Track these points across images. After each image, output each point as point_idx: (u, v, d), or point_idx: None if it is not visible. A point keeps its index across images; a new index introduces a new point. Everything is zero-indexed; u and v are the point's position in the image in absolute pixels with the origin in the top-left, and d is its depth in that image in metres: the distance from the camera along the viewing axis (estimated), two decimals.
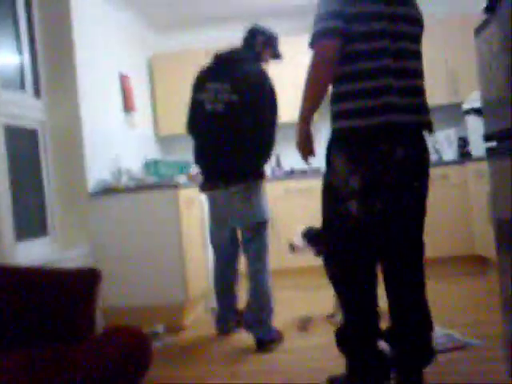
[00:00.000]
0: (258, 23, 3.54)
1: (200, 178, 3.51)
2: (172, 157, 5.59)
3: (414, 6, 2.25)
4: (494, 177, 2.22)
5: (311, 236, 3.35)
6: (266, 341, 3.18)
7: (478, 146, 4.53)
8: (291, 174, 5.33)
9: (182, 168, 4.60)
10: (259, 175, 3.30)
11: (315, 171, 4.85)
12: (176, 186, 3.78)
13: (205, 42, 5.55)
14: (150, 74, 5.51)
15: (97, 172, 3.99)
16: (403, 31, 2.16)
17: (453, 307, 3.60)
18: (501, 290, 2.23)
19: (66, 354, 1.61)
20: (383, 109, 2.10)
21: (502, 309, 2.23)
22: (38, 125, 3.74)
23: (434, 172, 4.62)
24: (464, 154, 5.02)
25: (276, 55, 3.51)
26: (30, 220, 3.64)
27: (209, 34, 5.68)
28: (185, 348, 3.34)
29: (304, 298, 4.32)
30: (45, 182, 3.76)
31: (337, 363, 2.51)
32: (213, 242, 3.57)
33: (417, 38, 2.24)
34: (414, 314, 2.27)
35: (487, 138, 2.23)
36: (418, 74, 2.22)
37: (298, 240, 3.38)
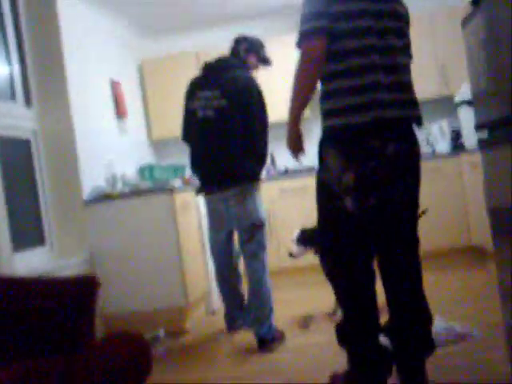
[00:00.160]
0: (246, 32, 3.61)
1: (195, 181, 3.54)
2: (166, 161, 5.59)
3: (399, 2, 2.26)
4: (486, 166, 2.23)
5: (305, 238, 3.40)
6: (267, 339, 3.19)
7: (471, 138, 4.54)
8: (286, 173, 5.34)
9: (177, 171, 4.60)
10: (253, 178, 3.35)
11: (309, 169, 4.86)
12: (171, 190, 3.78)
13: (194, 46, 5.56)
14: (141, 79, 5.51)
15: (91, 179, 3.99)
16: (389, 27, 2.17)
17: (452, 299, 3.61)
18: (498, 280, 2.24)
19: (65, 364, 1.61)
20: (372, 105, 2.11)
21: (500, 299, 2.24)
22: (31, 134, 3.73)
23: (428, 165, 4.67)
24: (457, 146, 5.03)
25: (263, 60, 3.58)
26: (27, 230, 3.64)
27: (198, 37, 5.68)
28: (186, 351, 3.34)
29: (304, 297, 4.32)
30: (40, 192, 3.76)
31: (338, 360, 2.51)
32: (211, 245, 3.62)
33: (403, 34, 2.25)
34: (411, 308, 2.28)
35: (478, 128, 2.24)
36: (406, 69, 2.23)
37: (295, 246, 3.44)
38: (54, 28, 3.85)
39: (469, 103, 4.23)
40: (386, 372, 2.25)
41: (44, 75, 3.83)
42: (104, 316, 3.73)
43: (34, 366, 1.60)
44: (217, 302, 4.23)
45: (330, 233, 2.30)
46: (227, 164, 3.27)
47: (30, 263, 3.40)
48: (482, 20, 2.00)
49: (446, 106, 5.21)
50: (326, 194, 2.27)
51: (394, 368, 2.29)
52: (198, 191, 3.56)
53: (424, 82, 4.79)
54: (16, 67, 3.68)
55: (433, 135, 5.14)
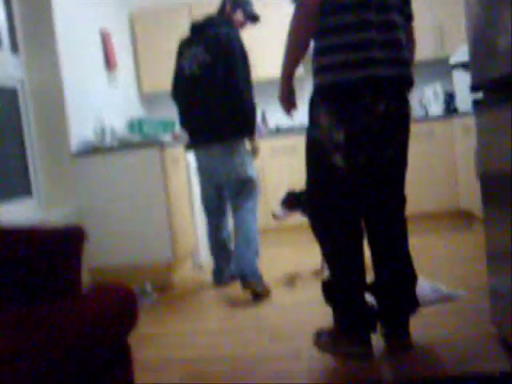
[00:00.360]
0: None
1: (185, 137, 3.59)
2: (156, 115, 5.51)
3: None
4: (480, 129, 2.22)
5: (291, 201, 3.46)
6: (254, 282, 3.24)
7: (464, 101, 4.51)
8: (277, 131, 5.29)
9: (167, 126, 4.54)
10: (240, 134, 3.38)
11: (301, 128, 4.82)
12: (162, 145, 3.73)
13: None
14: (132, 31, 5.37)
15: (80, 132, 3.92)
16: None
17: (438, 261, 3.65)
18: (486, 244, 2.25)
19: (51, 312, 1.60)
20: (365, 62, 2.10)
21: (487, 261, 2.26)
22: (18, 84, 3.64)
23: (420, 127, 4.66)
24: (450, 110, 5.00)
25: (250, 17, 3.57)
26: (13, 181, 3.59)
27: None
28: (173, 305, 3.37)
29: (291, 255, 4.35)
30: (27, 143, 3.70)
31: (324, 317, 2.54)
32: (202, 198, 3.70)
33: None
34: (396, 266, 2.31)
35: (474, 89, 2.21)
36: (400, 27, 2.20)
37: (279, 209, 3.50)
38: None
39: (464, 66, 4.18)
40: (370, 329, 2.28)
41: (31, 22, 3.71)
42: (91, 269, 3.73)
43: (22, 313, 1.59)
44: (204, 257, 4.25)
45: (319, 191, 2.30)
46: (213, 120, 3.35)
47: (17, 214, 3.37)
48: None
49: (441, 68, 5.16)
50: (316, 152, 2.27)
51: (379, 326, 2.33)
52: (187, 147, 3.63)
53: (419, 44, 4.69)
54: (1, 12, 3.56)
55: (426, 98, 5.10)
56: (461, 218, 4.72)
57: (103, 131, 4.08)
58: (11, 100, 3.62)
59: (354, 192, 2.26)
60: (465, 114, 4.35)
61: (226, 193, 3.59)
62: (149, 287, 3.54)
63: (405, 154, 2.31)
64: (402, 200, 2.35)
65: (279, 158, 4.91)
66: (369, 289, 2.34)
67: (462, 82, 4.52)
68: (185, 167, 4.18)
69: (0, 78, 3.43)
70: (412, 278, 2.33)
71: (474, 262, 3.44)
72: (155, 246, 3.74)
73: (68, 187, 3.80)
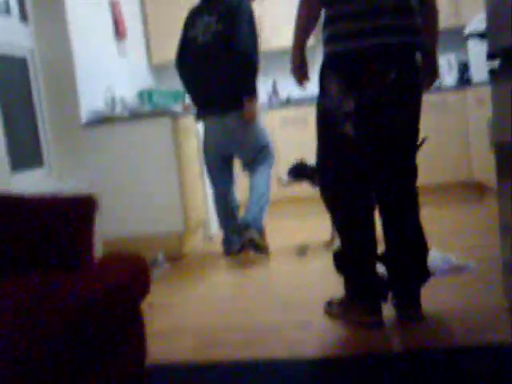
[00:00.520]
0: None
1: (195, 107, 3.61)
2: (166, 86, 5.47)
3: None
4: (495, 98, 2.18)
5: (296, 171, 3.56)
6: (254, 227, 3.40)
7: (478, 72, 4.43)
8: (288, 102, 5.24)
9: (177, 97, 4.51)
10: (252, 95, 3.40)
11: (312, 99, 4.76)
12: (173, 115, 3.71)
13: None
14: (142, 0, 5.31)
15: (90, 102, 3.91)
16: None
17: (450, 232, 3.63)
18: (500, 215, 2.23)
19: (64, 281, 1.61)
20: (376, 30, 2.08)
21: (500, 233, 2.24)
22: (28, 53, 3.62)
23: (433, 98, 4.60)
24: (464, 80, 4.92)
25: None
26: (25, 151, 3.60)
27: None
28: (184, 275, 3.39)
29: (302, 227, 4.35)
30: (37, 113, 3.69)
31: (335, 287, 2.54)
32: (209, 170, 3.68)
33: None
34: (407, 236, 2.30)
35: (490, 57, 2.16)
36: None
37: (285, 177, 3.61)
38: None
39: (480, 35, 4.09)
40: (381, 299, 2.28)
41: None
42: (103, 240, 3.75)
43: (35, 281, 1.61)
44: (215, 228, 4.27)
45: (329, 161, 2.29)
46: (229, 88, 3.35)
47: (28, 184, 3.38)
48: None
49: (456, 38, 5.05)
50: (326, 122, 2.25)
51: (390, 296, 2.33)
52: (197, 117, 3.62)
53: None
54: None
55: (440, 68, 5.01)
56: (473, 189, 4.68)
57: (113, 101, 4.06)
58: (21, 70, 3.60)
59: (364, 162, 2.24)
60: (479, 84, 4.28)
61: (235, 162, 3.66)
62: (160, 257, 3.56)
63: (416, 125, 2.28)
64: (413, 171, 2.32)
65: (290, 129, 4.88)
66: (380, 259, 2.33)
67: (476, 52, 4.43)
68: (195, 137, 4.16)
69: (9, 47, 3.41)
70: (423, 249, 2.32)
71: (485, 233, 3.42)
72: (167, 217, 3.75)
73: (79, 158, 3.80)
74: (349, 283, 2.32)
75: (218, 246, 3.87)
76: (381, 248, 2.34)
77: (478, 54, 4.38)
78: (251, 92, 3.38)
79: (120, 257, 1.87)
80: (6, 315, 1.35)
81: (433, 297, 2.44)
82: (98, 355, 1.55)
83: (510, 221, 2.13)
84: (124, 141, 3.74)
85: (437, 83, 5.01)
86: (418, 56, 2.20)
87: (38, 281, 1.64)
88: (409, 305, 2.28)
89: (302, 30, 2.27)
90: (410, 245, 2.30)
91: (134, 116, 3.80)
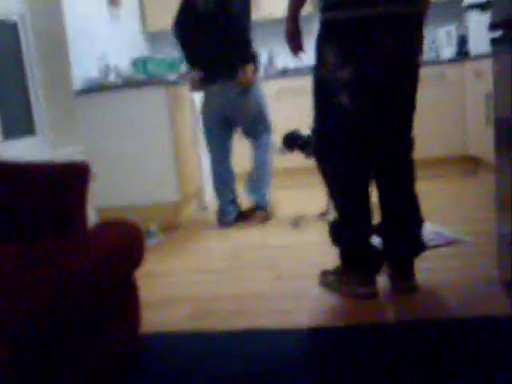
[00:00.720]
0: None
1: (193, 77, 3.61)
2: (161, 54, 5.38)
3: None
4: (497, 70, 2.14)
5: (289, 141, 3.59)
6: (263, 206, 3.66)
7: (477, 45, 4.38)
8: (284, 73, 5.18)
9: (172, 66, 4.44)
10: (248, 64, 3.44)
11: (308, 70, 4.70)
12: (167, 83, 3.66)
13: None
14: None
15: (83, 69, 3.84)
16: None
17: (444, 206, 3.64)
18: (496, 189, 2.22)
19: (57, 248, 1.60)
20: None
21: (496, 208, 2.24)
22: (19, 18, 3.54)
23: (431, 70, 4.54)
24: (463, 53, 4.87)
25: None
26: (16, 119, 3.54)
27: None
28: (178, 245, 3.39)
29: (296, 198, 4.35)
30: (29, 80, 3.62)
31: (329, 258, 2.54)
32: (209, 136, 3.69)
33: None
34: (403, 208, 2.29)
35: (493, 27, 2.12)
36: None
37: (279, 146, 3.68)
38: None
39: (480, 7, 4.03)
40: (376, 270, 2.29)
41: None
42: (97, 210, 3.73)
43: (29, 248, 1.59)
44: (209, 198, 4.25)
45: (326, 131, 2.27)
46: (231, 56, 3.39)
47: (21, 152, 3.34)
48: None
49: (454, 10, 4.98)
50: (323, 91, 2.23)
51: (384, 267, 2.34)
52: (194, 86, 3.65)
53: None
54: None
55: (439, 40, 4.95)
56: (468, 163, 4.67)
57: (107, 68, 3.99)
58: (12, 35, 3.52)
59: (360, 133, 2.22)
60: (477, 57, 4.23)
61: (233, 130, 3.69)
62: (155, 227, 3.55)
63: (413, 96, 2.25)
64: (409, 143, 2.31)
65: (287, 100, 4.82)
66: (375, 230, 2.33)
67: (476, 24, 4.37)
68: (190, 107, 4.11)
69: (0, 11, 3.33)
70: (418, 221, 2.32)
71: (480, 207, 3.42)
72: (161, 186, 3.72)
73: (72, 126, 3.74)
74: (344, 254, 2.32)
75: (212, 215, 3.86)
76: (376, 219, 2.33)
77: (476, 27, 4.32)
78: (245, 59, 3.39)
79: (114, 223, 1.85)
80: None
81: (427, 269, 2.45)
82: (92, 322, 1.54)
83: (506, 195, 2.11)
84: (118, 109, 3.69)
85: (434, 56, 4.97)
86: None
87: (31, 247, 1.63)
88: (403, 276, 2.29)
89: None
90: (405, 216, 2.30)
91: (128, 84, 3.74)
